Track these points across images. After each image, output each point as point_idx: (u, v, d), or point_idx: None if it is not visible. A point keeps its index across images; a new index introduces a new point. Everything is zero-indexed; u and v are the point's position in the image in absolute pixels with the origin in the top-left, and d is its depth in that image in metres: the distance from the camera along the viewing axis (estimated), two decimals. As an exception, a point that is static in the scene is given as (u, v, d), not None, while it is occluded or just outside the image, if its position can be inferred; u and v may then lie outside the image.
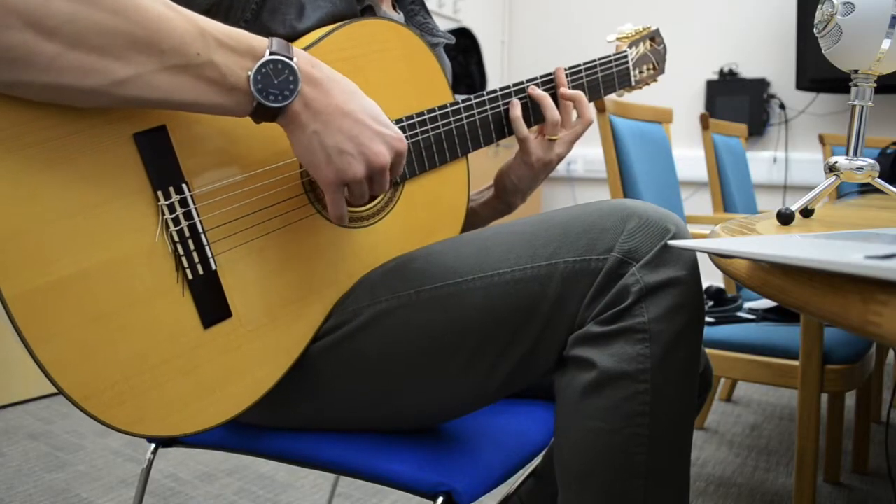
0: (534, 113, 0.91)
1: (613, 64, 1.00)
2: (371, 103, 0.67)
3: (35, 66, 0.52)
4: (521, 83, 0.90)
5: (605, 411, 0.64)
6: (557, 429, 0.69)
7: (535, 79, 0.91)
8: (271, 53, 0.60)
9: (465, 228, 0.89)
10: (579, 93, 0.91)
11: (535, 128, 0.92)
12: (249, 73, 0.60)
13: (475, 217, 0.99)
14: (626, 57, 1.02)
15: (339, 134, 0.63)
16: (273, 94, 0.60)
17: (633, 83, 1.05)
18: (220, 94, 0.59)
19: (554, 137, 0.90)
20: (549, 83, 0.92)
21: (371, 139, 0.65)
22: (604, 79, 0.98)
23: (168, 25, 0.56)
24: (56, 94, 0.55)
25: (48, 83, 0.53)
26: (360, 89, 0.67)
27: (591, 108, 0.93)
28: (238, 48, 0.60)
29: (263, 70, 0.60)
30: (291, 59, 0.61)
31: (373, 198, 0.78)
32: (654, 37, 1.09)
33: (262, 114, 0.61)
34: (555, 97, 0.91)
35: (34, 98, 0.55)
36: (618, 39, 1.05)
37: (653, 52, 1.08)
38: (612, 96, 1.05)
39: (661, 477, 0.65)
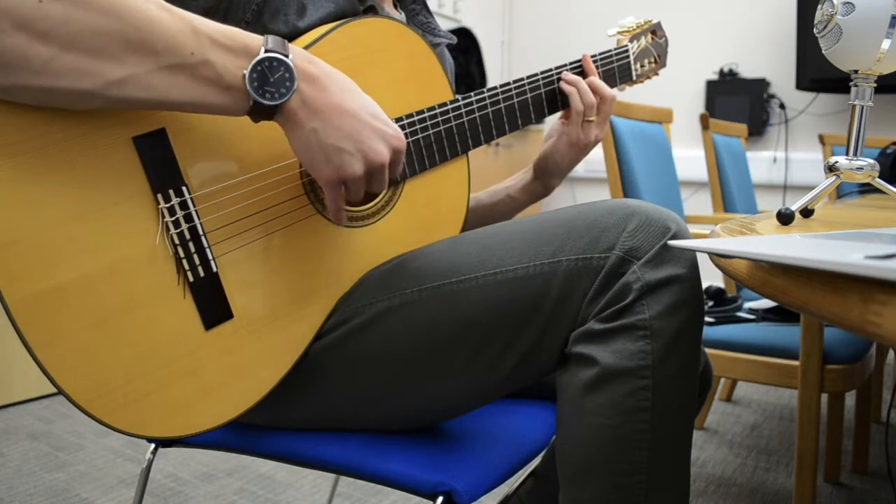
0: (561, 99, 0.93)
1: (614, 58, 1.00)
2: (369, 100, 0.66)
3: (29, 70, 0.52)
4: (537, 75, 0.91)
5: (606, 407, 0.64)
6: (559, 425, 0.69)
7: (565, 65, 0.94)
8: (266, 51, 0.60)
9: (500, 218, 0.89)
10: (587, 80, 0.93)
11: (562, 113, 0.95)
12: (245, 71, 0.59)
13: (514, 203, 1.00)
14: (626, 51, 1.02)
15: (337, 132, 0.63)
16: (269, 93, 0.60)
17: (635, 77, 1.05)
18: (216, 93, 0.59)
19: (591, 118, 0.92)
20: (578, 69, 0.95)
21: (370, 137, 0.64)
22: (604, 73, 0.98)
23: (161, 25, 0.56)
24: (52, 96, 0.55)
25: (43, 86, 0.53)
26: (360, 88, 0.66)
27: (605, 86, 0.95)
28: (233, 46, 0.59)
29: (259, 68, 0.59)
30: (287, 56, 0.60)
31: (371, 196, 0.78)
32: (656, 30, 1.09)
33: (258, 112, 0.61)
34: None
35: (30, 102, 0.55)
36: (619, 33, 1.05)
37: (654, 45, 1.08)
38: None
39: (661, 473, 0.65)
